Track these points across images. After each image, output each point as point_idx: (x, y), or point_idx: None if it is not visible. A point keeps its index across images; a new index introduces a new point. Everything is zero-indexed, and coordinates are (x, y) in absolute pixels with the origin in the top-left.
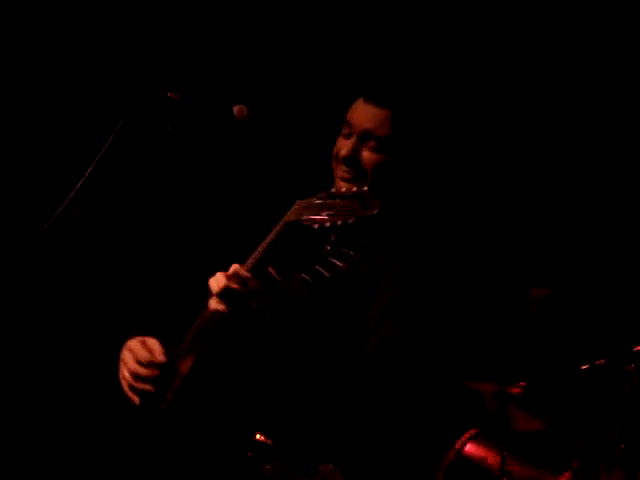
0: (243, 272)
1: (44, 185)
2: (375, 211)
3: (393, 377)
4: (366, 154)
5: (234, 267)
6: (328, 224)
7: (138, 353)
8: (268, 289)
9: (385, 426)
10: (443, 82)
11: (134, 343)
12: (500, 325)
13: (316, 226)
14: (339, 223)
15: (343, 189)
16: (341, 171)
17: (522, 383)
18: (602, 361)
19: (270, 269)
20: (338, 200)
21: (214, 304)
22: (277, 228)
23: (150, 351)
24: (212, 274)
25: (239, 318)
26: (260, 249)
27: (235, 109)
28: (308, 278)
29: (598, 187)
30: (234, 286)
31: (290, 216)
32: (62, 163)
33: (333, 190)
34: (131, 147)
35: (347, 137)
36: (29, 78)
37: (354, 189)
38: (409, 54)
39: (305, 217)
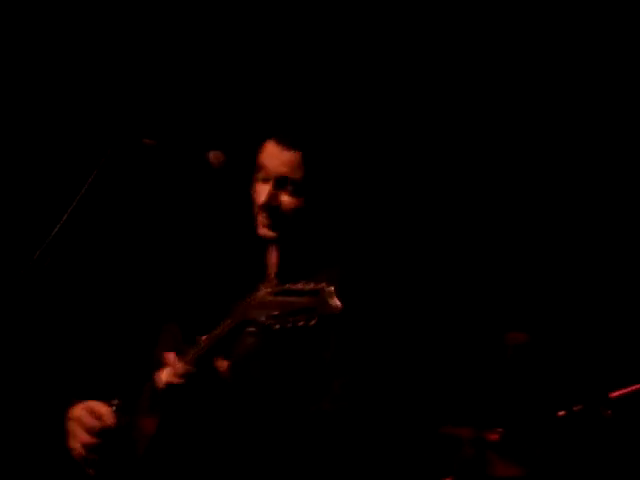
0: (182, 368)
1: (18, 235)
2: (338, 311)
3: (354, 435)
4: (285, 199)
5: (172, 362)
6: (289, 325)
7: (86, 422)
8: (209, 378)
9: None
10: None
11: (79, 411)
12: (476, 370)
13: (277, 327)
14: (300, 324)
15: (299, 285)
16: (262, 218)
17: (499, 429)
18: (579, 407)
19: (215, 361)
20: (295, 298)
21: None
22: (230, 324)
23: (98, 417)
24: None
25: (184, 402)
26: (208, 342)
27: (211, 155)
28: (254, 329)
29: (574, 223)
30: (176, 381)
31: (246, 314)
32: (37, 211)
33: (287, 286)
34: (107, 193)
35: (264, 182)
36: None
37: (311, 286)
38: (314, 94)
39: (264, 318)
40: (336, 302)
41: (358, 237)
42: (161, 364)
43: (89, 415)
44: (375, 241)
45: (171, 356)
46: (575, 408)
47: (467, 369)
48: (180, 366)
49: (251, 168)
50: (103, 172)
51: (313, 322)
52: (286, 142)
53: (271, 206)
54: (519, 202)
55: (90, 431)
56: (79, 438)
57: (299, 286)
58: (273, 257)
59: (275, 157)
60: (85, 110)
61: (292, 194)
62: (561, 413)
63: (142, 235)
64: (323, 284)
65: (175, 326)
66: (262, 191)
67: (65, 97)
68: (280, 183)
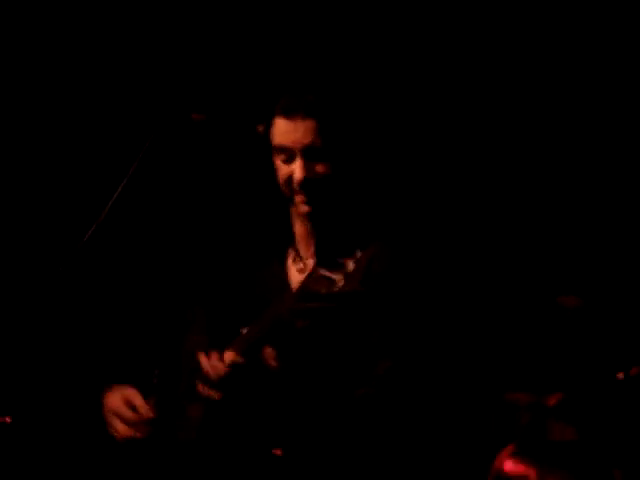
0: (237, 359)
1: (67, 207)
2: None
3: (415, 402)
4: (320, 168)
5: (229, 355)
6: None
7: (124, 414)
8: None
9: (417, 448)
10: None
11: (114, 402)
12: (533, 335)
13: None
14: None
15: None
16: (300, 196)
17: (558, 394)
18: (637, 369)
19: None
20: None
21: (206, 391)
22: (273, 314)
23: (136, 409)
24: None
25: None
26: (252, 334)
27: (261, 127)
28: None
29: (624, 189)
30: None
31: (287, 303)
32: (88, 186)
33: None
34: (157, 170)
35: (288, 161)
36: (52, 99)
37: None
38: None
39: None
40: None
41: (396, 207)
42: (194, 349)
43: (125, 406)
44: (416, 211)
45: (227, 353)
46: (633, 371)
47: (523, 334)
48: (229, 355)
49: None
50: (151, 151)
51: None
52: (296, 113)
53: (309, 179)
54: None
55: (129, 423)
56: (119, 430)
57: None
58: (303, 228)
59: (292, 131)
60: (130, 87)
61: (322, 162)
62: (619, 375)
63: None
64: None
65: (201, 310)
66: (293, 169)
67: (111, 75)
68: (307, 154)
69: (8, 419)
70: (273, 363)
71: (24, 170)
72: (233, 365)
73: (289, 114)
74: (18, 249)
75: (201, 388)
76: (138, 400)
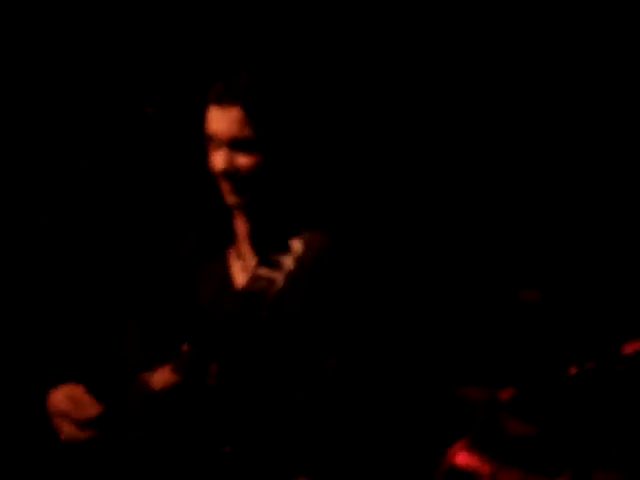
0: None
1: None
2: None
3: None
4: (242, 160)
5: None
6: None
7: (71, 414)
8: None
9: (368, 444)
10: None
11: (59, 401)
12: (488, 329)
13: None
14: None
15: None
16: (224, 185)
17: (512, 388)
18: (591, 364)
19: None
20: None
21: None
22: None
23: (82, 407)
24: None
25: None
26: (193, 353)
27: None
28: None
29: (590, 184)
30: None
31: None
32: (40, 178)
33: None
34: (109, 163)
35: (217, 149)
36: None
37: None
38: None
39: None
40: None
41: (328, 198)
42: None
43: (71, 405)
44: (353, 197)
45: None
46: (587, 365)
47: (478, 327)
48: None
49: None
50: (105, 141)
51: None
52: (224, 100)
53: (230, 171)
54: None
55: (77, 423)
56: (66, 431)
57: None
58: (242, 225)
59: (218, 120)
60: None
61: (248, 154)
62: (573, 371)
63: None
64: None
65: (132, 321)
66: (217, 158)
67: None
68: (233, 145)
69: None
70: (213, 381)
71: None
72: (173, 386)
73: (218, 101)
74: None
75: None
76: (84, 397)
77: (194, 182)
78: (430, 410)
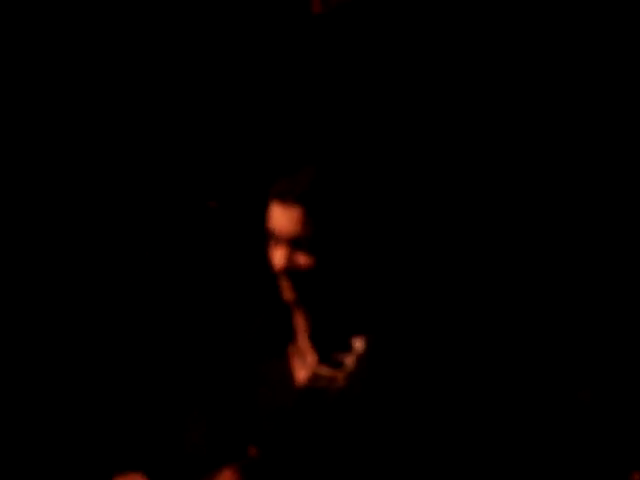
0: None
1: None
2: None
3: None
4: (302, 259)
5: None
6: None
7: None
8: None
9: None
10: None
11: None
12: (547, 427)
13: None
14: None
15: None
16: (283, 282)
17: None
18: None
19: None
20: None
21: None
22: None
23: None
24: None
25: None
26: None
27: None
28: None
29: None
30: None
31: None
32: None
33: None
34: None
35: (277, 246)
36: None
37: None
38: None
39: None
40: None
41: (387, 297)
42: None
43: None
44: (405, 299)
45: None
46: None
47: (537, 426)
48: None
49: None
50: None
51: None
52: (287, 200)
53: (290, 269)
54: None
55: None
56: None
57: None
58: (302, 321)
59: (280, 217)
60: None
61: (308, 252)
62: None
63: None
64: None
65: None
66: (278, 256)
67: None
68: (294, 243)
69: None
70: None
71: None
72: None
73: (280, 199)
74: None
75: None
76: None
77: (255, 277)
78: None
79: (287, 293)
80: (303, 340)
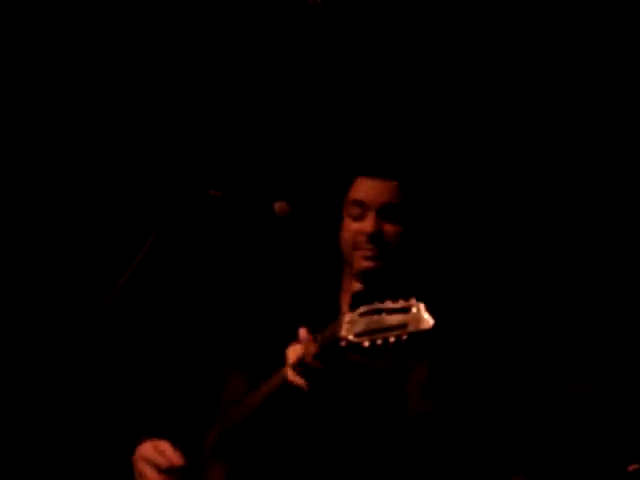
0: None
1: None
2: (430, 324)
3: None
4: (389, 227)
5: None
6: (380, 342)
7: (156, 460)
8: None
9: None
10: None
11: (147, 450)
12: (540, 422)
13: (366, 344)
14: (391, 341)
15: (389, 304)
16: (365, 250)
17: None
18: None
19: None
20: (385, 315)
21: (291, 376)
22: (322, 342)
23: (166, 457)
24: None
25: (311, 395)
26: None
27: (276, 206)
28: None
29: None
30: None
31: (337, 331)
32: (106, 261)
33: (378, 305)
34: (173, 244)
35: (359, 218)
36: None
37: (401, 303)
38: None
39: (353, 335)
40: (428, 318)
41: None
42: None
43: (157, 453)
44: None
45: (303, 332)
46: None
47: (532, 421)
48: (313, 347)
49: (317, 216)
50: (169, 223)
51: (405, 338)
52: (382, 173)
53: (377, 236)
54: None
55: (159, 470)
56: (149, 477)
57: (388, 304)
58: (357, 289)
59: (373, 188)
60: (151, 161)
61: (396, 222)
62: (632, 467)
63: (207, 283)
64: (413, 300)
65: (247, 372)
66: (365, 224)
67: (132, 148)
68: (382, 211)
69: None
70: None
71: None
72: (317, 356)
73: (374, 174)
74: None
75: (291, 375)
76: (169, 449)
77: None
78: None
79: (362, 262)
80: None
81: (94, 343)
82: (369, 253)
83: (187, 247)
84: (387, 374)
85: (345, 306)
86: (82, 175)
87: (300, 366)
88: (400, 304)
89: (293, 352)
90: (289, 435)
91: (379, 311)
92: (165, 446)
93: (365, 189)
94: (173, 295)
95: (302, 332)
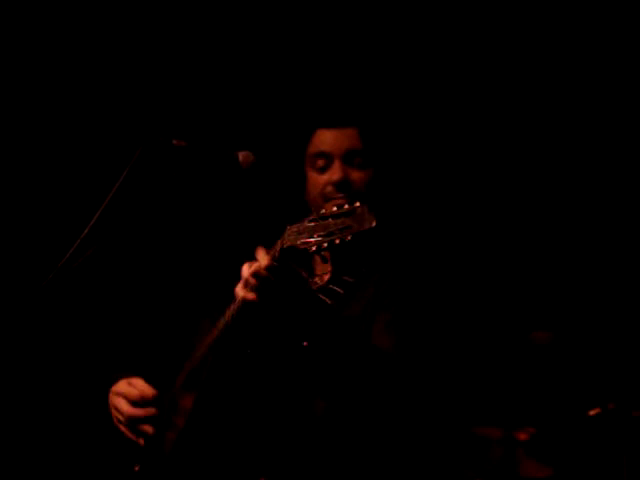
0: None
1: (51, 229)
2: (373, 224)
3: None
4: (356, 174)
5: (261, 254)
6: (325, 245)
7: (128, 394)
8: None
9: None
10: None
11: (120, 386)
12: (505, 369)
13: (313, 248)
14: (337, 242)
15: (333, 208)
16: (337, 200)
17: (530, 428)
18: (611, 406)
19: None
20: (331, 220)
21: (242, 292)
22: (272, 253)
23: (138, 389)
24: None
25: (266, 307)
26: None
27: (240, 155)
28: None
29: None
30: (264, 273)
31: (284, 241)
32: (68, 210)
33: (323, 211)
34: (136, 194)
35: (324, 169)
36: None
37: (345, 206)
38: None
39: (300, 241)
40: (371, 218)
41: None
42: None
43: (130, 387)
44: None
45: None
46: (610, 406)
47: (495, 368)
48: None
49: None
50: (133, 172)
51: (349, 238)
52: (339, 123)
53: (345, 183)
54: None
55: (134, 402)
56: (122, 410)
57: (333, 210)
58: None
59: (334, 137)
60: (115, 111)
61: (362, 167)
62: (592, 412)
63: (168, 232)
64: (357, 203)
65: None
66: (330, 173)
67: (94, 97)
68: (347, 158)
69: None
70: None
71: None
72: (269, 268)
73: (331, 124)
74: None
75: (242, 291)
76: (141, 383)
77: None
78: (448, 448)
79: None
80: (319, 262)
81: (66, 290)
82: (340, 202)
83: (152, 197)
84: (354, 319)
85: (316, 267)
86: (43, 124)
87: (254, 278)
88: (345, 208)
89: (247, 267)
90: (249, 363)
91: (324, 217)
92: (137, 381)
93: (326, 139)
94: (141, 240)
95: (259, 249)
